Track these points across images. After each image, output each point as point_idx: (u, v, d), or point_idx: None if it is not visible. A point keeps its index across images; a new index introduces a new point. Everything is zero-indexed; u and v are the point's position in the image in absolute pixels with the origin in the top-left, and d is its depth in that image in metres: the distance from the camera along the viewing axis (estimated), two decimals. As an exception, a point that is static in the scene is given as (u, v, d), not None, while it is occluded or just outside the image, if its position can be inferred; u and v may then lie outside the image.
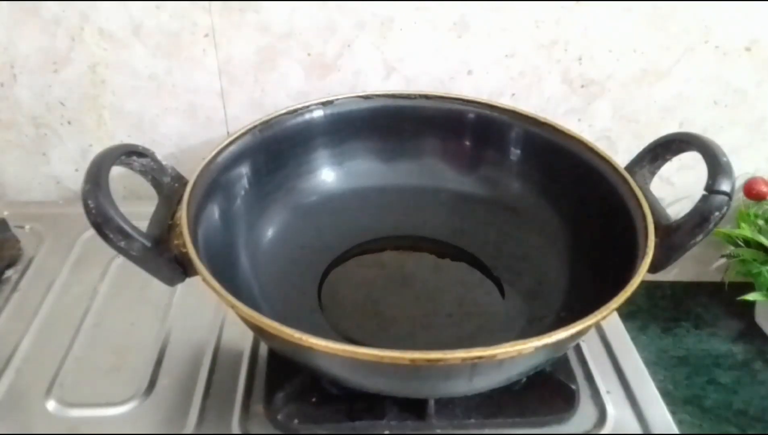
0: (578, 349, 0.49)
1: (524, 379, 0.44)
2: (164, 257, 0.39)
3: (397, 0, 0.56)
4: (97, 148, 0.44)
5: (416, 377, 0.37)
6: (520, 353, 0.33)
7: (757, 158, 0.65)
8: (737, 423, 0.57)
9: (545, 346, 0.33)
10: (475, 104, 0.54)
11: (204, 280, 0.36)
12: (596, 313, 0.34)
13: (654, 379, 0.47)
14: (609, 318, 0.36)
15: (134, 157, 0.41)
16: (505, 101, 0.59)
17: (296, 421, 0.42)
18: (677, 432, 0.43)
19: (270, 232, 0.52)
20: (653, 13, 0.56)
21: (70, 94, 0.60)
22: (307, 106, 0.52)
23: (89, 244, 0.58)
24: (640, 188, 0.44)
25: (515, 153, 0.54)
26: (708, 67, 0.59)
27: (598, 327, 0.51)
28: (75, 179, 0.66)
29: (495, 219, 0.54)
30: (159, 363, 0.47)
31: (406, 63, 0.59)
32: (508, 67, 0.59)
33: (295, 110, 0.52)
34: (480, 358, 0.32)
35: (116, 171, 0.38)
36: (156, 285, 0.40)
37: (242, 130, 0.49)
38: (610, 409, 0.44)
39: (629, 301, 0.35)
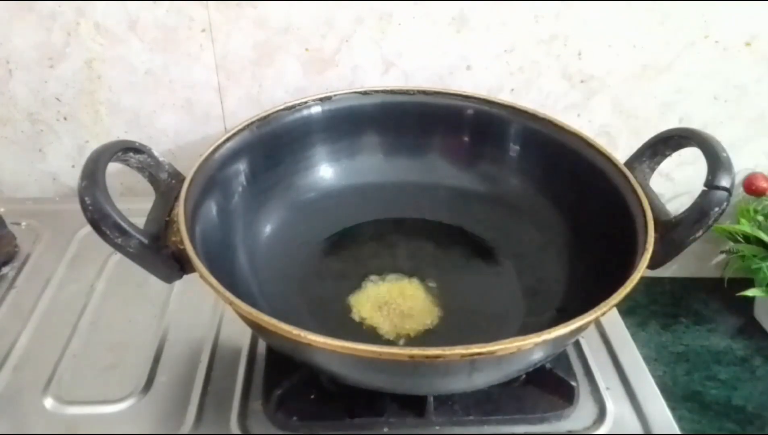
0: (578, 346, 0.49)
1: (523, 376, 0.44)
2: (161, 254, 0.39)
3: (395, -5, 0.55)
4: (94, 145, 0.44)
5: (415, 374, 0.36)
6: (519, 349, 0.32)
7: (756, 154, 0.65)
8: (736, 419, 0.57)
9: (544, 342, 0.33)
10: (474, 100, 0.54)
11: (201, 276, 0.36)
12: (596, 309, 0.34)
13: (653, 375, 0.47)
14: (608, 314, 0.36)
15: (131, 154, 0.41)
16: (504, 97, 0.59)
17: (295, 418, 0.42)
18: (677, 428, 0.43)
19: (268, 229, 0.51)
20: (653, 8, 0.56)
21: (66, 89, 0.60)
22: (305, 102, 0.52)
23: (86, 240, 0.58)
24: (640, 184, 0.44)
25: (514, 149, 0.54)
26: (708, 63, 0.59)
27: (597, 323, 0.51)
28: (71, 175, 0.65)
29: (494, 215, 0.54)
30: (157, 360, 0.47)
31: (405, 58, 0.59)
32: (507, 62, 0.59)
33: (293, 106, 0.52)
34: (479, 354, 0.32)
35: (113, 167, 0.38)
36: (153, 282, 0.40)
37: (240, 126, 0.49)
38: (610, 406, 0.44)
39: (629, 297, 0.35)
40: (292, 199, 0.53)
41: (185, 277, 0.41)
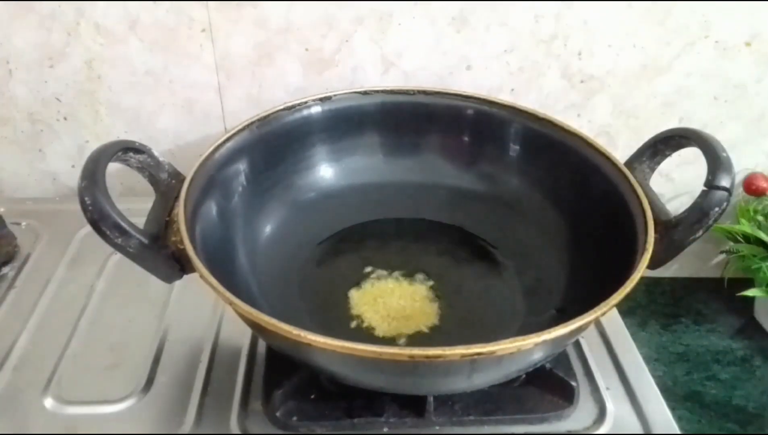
0: (578, 346, 0.49)
1: (523, 376, 0.44)
2: (161, 254, 0.39)
3: (395, -5, 0.55)
4: (94, 144, 0.44)
5: (415, 374, 0.36)
6: (519, 349, 0.32)
7: (756, 153, 0.65)
8: (736, 419, 0.57)
9: (544, 342, 0.33)
10: (474, 100, 0.54)
11: (201, 277, 0.36)
12: (596, 309, 0.34)
13: (653, 375, 0.47)
14: (608, 314, 0.36)
15: (131, 154, 0.41)
16: (505, 97, 0.59)
17: (295, 418, 0.42)
18: (677, 428, 0.43)
19: (268, 229, 0.51)
20: (653, 7, 0.56)
21: (66, 89, 0.60)
22: (305, 102, 0.52)
23: (86, 240, 0.58)
24: (640, 184, 0.44)
25: (514, 149, 0.54)
26: (708, 63, 0.59)
27: (597, 323, 0.51)
28: (71, 175, 0.65)
29: (494, 215, 0.54)
30: (157, 360, 0.47)
31: (405, 58, 0.59)
32: (507, 62, 0.59)
33: (293, 106, 0.52)
34: (479, 354, 0.32)
35: (113, 167, 0.38)
36: (153, 282, 0.40)
37: (240, 126, 0.49)
38: (610, 406, 0.44)
39: (629, 297, 0.35)
40: (292, 199, 0.53)
41: (185, 277, 0.41)
